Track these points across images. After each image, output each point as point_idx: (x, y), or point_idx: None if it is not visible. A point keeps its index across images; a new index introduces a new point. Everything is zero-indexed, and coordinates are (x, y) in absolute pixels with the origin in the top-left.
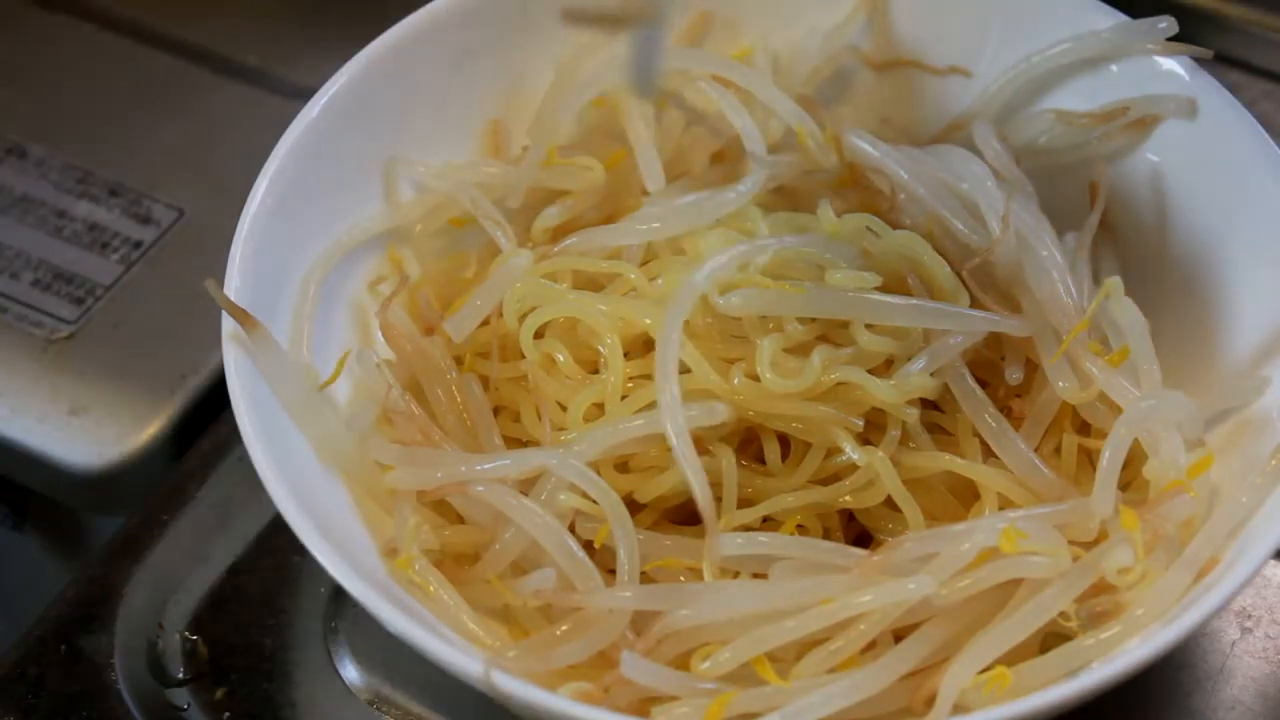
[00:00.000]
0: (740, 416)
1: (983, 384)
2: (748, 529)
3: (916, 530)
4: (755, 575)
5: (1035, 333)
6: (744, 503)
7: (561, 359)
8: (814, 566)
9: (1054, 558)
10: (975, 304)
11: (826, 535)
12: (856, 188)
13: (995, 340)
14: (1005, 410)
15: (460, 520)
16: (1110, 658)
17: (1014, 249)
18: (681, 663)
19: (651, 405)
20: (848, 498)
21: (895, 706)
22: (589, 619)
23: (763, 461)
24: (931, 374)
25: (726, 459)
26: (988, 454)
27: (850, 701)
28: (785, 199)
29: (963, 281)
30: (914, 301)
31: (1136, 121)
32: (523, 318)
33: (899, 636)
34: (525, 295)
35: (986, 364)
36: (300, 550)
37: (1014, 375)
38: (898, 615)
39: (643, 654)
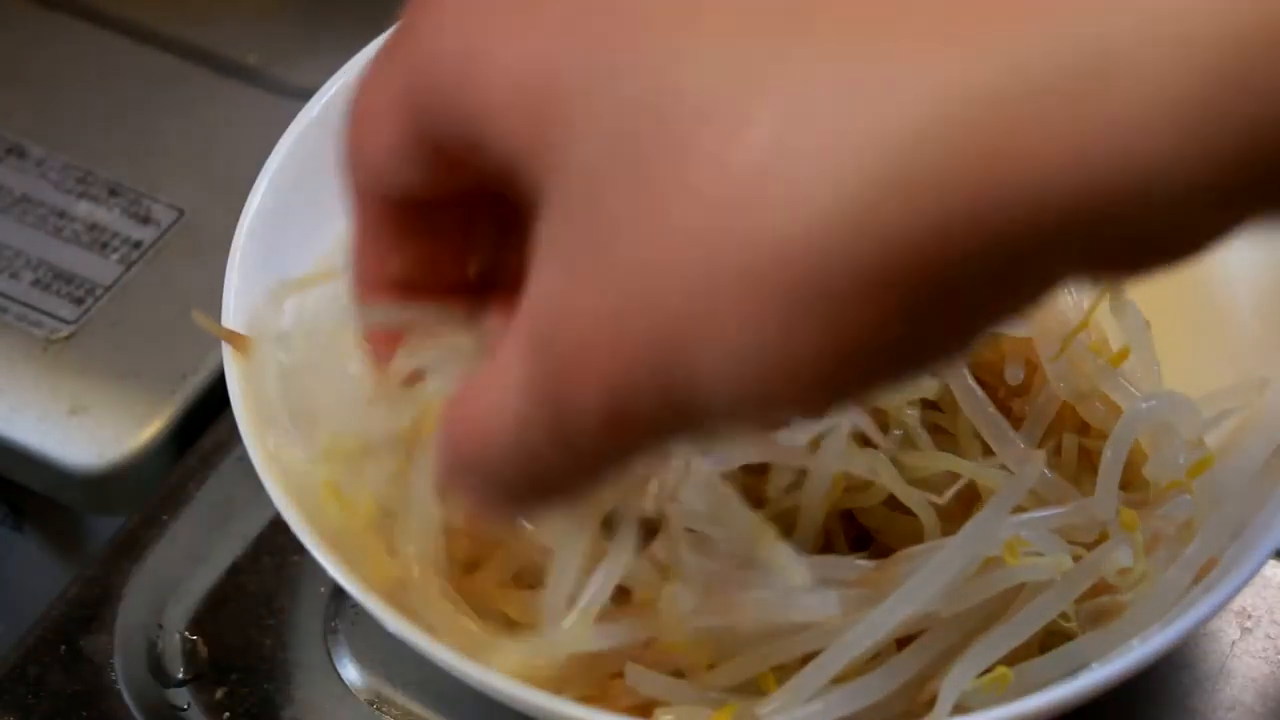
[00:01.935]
0: None
1: (983, 384)
2: None
3: (930, 529)
4: None
5: (1035, 333)
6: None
7: None
8: (818, 580)
9: (1055, 565)
10: None
11: (827, 536)
12: None
13: (995, 340)
14: (1005, 410)
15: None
16: (1110, 658)
17: None
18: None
19: None
20: (849, 499)
21: (896, 710)
22: None
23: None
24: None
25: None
26: (988, 454)
27: (851, 710)
28: None
29: None
30: None
31: None
32: None
33: (901, 641)
34: None
35: (986, 364)
36: (300, 550)
37: (1014, 375)
38: (900, 628)
39: (647, 665)
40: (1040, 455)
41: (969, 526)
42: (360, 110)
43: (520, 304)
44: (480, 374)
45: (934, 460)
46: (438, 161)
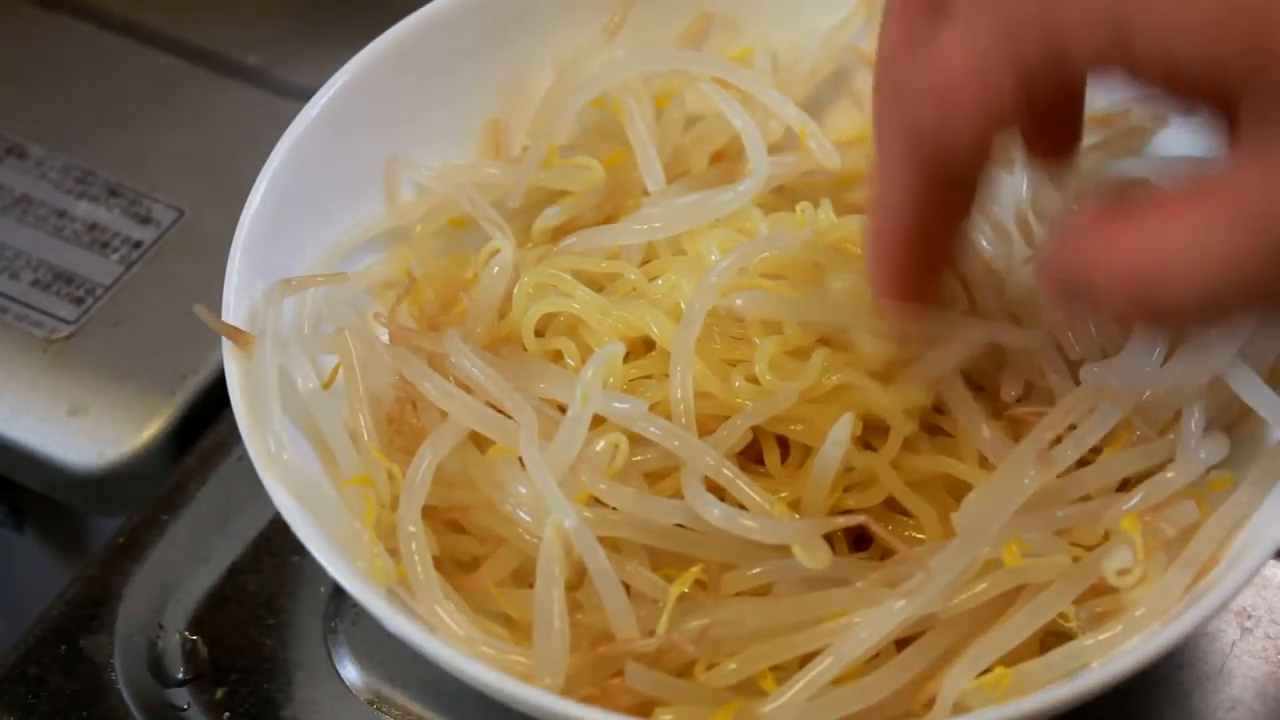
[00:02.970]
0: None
1: (984, 388)
2: None
3: (931, 531)
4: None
5: (1038, 345)
6: None
7: (572, 363)
8: (818, 581)
9: (1055, 565)
10: (977, 313)
11: (827, 536)
12: (866, 188)
13: (999, 351)
14: (1010, 417)
15: (461, 530)
16: (1110, 658)
17: (1029, 277)
18: (685, 669)
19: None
20: (850, 500)
21: (895, 710)
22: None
23: (761, 463)
24: (935, 379)
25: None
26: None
27: (851, 710)
28: (785, 199)
29: (969, 290)
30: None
31: (1138, 125)
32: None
33: (901, 641)
34: (539, 285)
35: (990, 373)
36: (300, 550)
37: (1010, 392)
38: (900, 629)
39: (647, 664)
40: (1043, 461)
41: (968, 528)
42: (960, 72)
43: (1212, 185)
44: (1150, 225)
45: (933, 464)
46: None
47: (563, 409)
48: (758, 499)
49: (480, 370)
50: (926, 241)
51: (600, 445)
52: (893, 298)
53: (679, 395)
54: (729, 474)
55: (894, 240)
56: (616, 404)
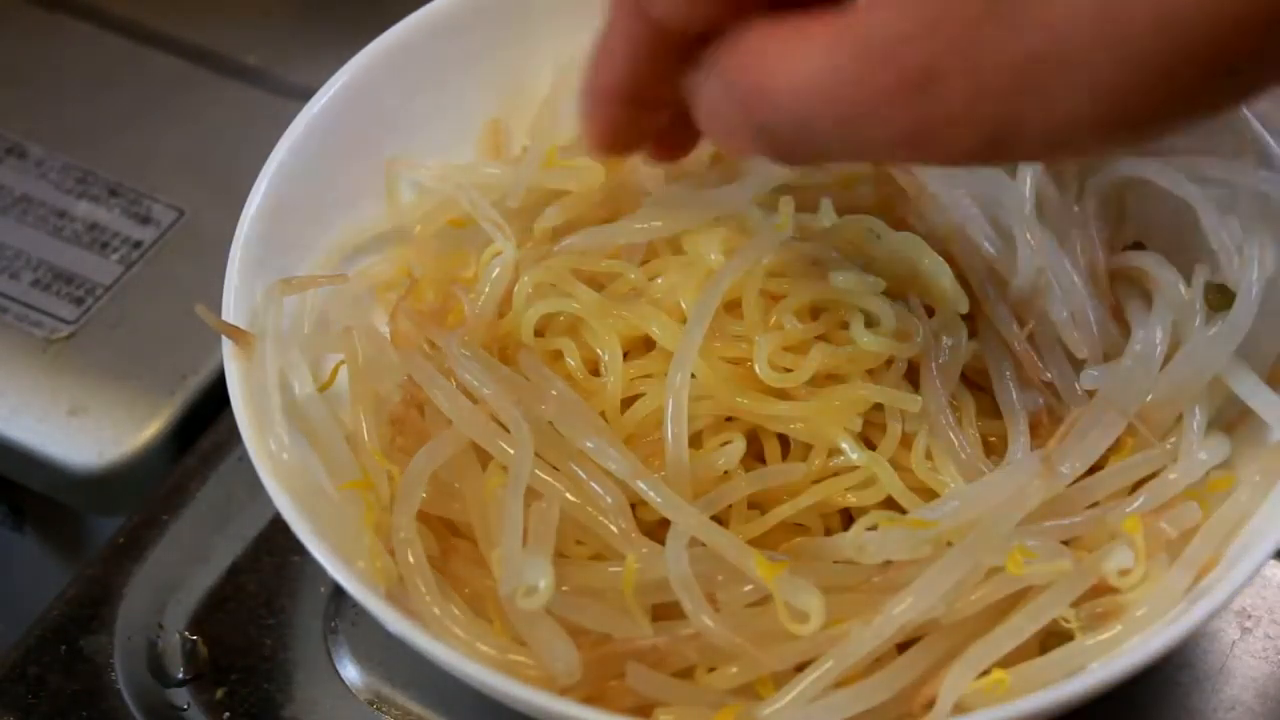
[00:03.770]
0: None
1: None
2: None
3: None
4: None
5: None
6: (749, 505)
7: (572, 363)
8: (820, 585)
9: (1055, 569)
10: (980, 314)
11: (827, 534)
12: (875, 185)
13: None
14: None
15: (459, 533)
16: (1110, 658)
17: (1034, 279)
18: (685, 673)
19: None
20: (850, 497)
21: (896, 712)
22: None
23: (763, 461)
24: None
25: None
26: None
27: (851, 712)
28: None
29: (971, 292)
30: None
31: None
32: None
33: (902, 643)
34: (539, 285)
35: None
36: (300, 550)
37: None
38: (902, 633)
39: (649, 665)
40: (1049, 474)
41: (972, 536)
42: None
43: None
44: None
45: (931, 475)
46: None
47: None
48: (749, 562)
49: (477, 380)
50: (644, 92)
51: None
52: (604, 149)
53: (671, 410)
54: (717, 537)
55: (612, 90)
56: (611, 463)
